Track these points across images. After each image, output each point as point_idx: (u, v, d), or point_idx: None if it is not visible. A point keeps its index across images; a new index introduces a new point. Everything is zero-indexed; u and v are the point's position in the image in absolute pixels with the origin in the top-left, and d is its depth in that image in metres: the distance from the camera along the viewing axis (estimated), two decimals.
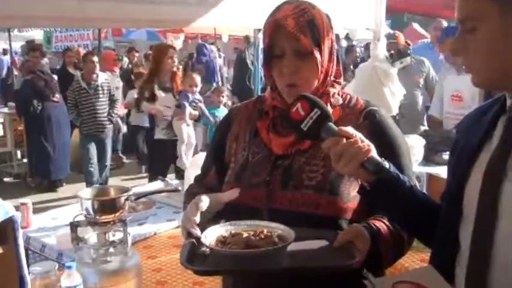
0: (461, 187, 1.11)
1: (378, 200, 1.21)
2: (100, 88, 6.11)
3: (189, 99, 4.68)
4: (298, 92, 1.29)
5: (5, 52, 13.03)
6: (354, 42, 11.02)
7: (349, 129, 1.16)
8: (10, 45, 9.69)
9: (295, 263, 1.16)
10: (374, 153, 1.16)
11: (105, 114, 6.14)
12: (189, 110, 4.65)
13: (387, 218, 1.32)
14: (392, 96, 3.50)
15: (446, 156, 3.65)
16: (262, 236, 1.19)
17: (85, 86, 6.02)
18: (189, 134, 4.71)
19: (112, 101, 6.28)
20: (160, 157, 4.80)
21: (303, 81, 1.36)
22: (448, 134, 3.96)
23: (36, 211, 2.84)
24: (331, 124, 1.17)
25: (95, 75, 6.08)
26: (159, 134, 4.74)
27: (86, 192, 1.80)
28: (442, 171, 3.45)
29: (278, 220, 1.27)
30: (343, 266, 1.15)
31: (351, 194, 1.33)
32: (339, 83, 1.46)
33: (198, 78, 4.93)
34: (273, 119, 1.44)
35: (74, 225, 1.76)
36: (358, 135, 1.16)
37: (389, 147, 1.35)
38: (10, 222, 1.85)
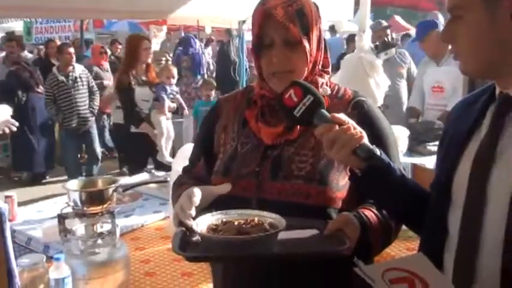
0: (451, 174, 1.12)
1: (369, 187, 1.22)
2: (79, 80, 5.82)
3: (167, 92, 4.58)
4: (287, 81, 1.30)
5: None
6: (338, 35, 11.05)
7: (342, 116, 1.16)
8: None
9: (286, 250, 1.17)
10: (366, 140, 1.17)
11: (87, 107, 5.86)
12: (167, 102, 4.56)
13: (376, 206, 1.33)
14: (377, 87, 3.51)
15: (430, 146, 3.70)
16: (254, 224, 1.19)
17: (63, 79, 5.71)
18: (167, 127, 4.63)
19: (92, 93, 5.99)
20: (137, 151, 4.70)
21: (292, 68, 1.36)
22: (431, 125, 4.02)
23: (20, 204, 2.81)
24: (323, 111, 1.17)
25: (71, 67, 5.80)
26: (136, 128, 4.64)
27: (73, 183, 1.79)
28: (426, 162, 3.49)
29: (268, 210, 1.27)
30: (334, 251, 1.16)
31: (340, 183, 1.34)
32: (327, 73, 1.46)
33: (174, 70, 4.83)
34: (262, 108, 1.43)
35: (61, 217, 1.76)
36: (351, 122, 1.16)
37: (377, 138, 1.36)
38: None
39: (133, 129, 4.63)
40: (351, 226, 1.23)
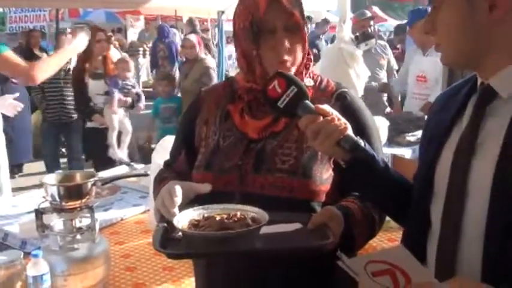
0: (433, 165, 1.13)
1: (354, 179, 1.22)
2: (71, 72, 5.46)
3: (119, 85, 4.39)
4: (287, 69, 1.29)
5: None
6: (313, 25, 11.00)
7: (326, 107, 1.16)
8: None
9: (269, 245, 1.16)
10: (350, 131, 1.16)
11: (73, 103, 5.51)
12: (117, 97, 4.36)
13: (360, 199, 1.34)
14: (358, 78, 3.53)
15: (409, 137, 3.73)
16: (236, 219, 1.18)
17: None
18: (122, 121, 4.46)
19: None
20: (96, 146, 4.59)
21: (293, 58, 1.35)
22: (411, 116, 4.05)
23: None
24: (307, 102, 1.17)
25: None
26: (91, 123, 4.54)
27: (50, 177, 1.75)
28: (405, 152, 3.52)
29: (251, 204, 1.26)
30: (317, 246, 1.16)
31: (323, 176, 1.34)
32: (310, 61, 1.46)
33: (131, 63, 4.69)
34: (248, 102, 1.42)
35: (39, 212, 1.72)
36: (335, 113, 1.16)
37: (360, 129, 1.36)
38: None
39: (88, 124, 4.54)
40: (334, 220, 1.23)
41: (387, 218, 1.45)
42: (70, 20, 14.45)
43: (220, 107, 1.46)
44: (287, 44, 1.33)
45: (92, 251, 1.70)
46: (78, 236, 1.72)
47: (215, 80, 5.23)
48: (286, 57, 1.34)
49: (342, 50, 3.52)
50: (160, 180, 1.46)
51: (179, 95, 5.71)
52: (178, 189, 1.27)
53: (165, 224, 1.22)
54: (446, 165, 1.09)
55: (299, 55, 1.37)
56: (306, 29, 1.40)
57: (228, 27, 4.32)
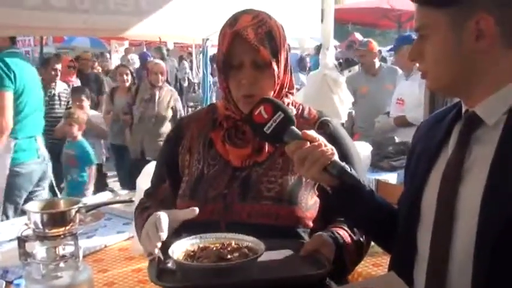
0: (420, 191, 1.14)
1: (341, 204, 1.22)
2: (57, 98, 5.44)
3: None
4: (255, 102, 1.29)
5: None
6: (298, 51, 11.10)
7: (313, 133, 1.17)
8: None
9: (269, 274, 1.15)
10: (337, 157, 1.17)
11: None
12: None
13: (347, 224, 1.34)
14: (341, 103, 3.57)
15: (392, 162, 3.76)
16: (232, 249, 1.17)
17: None
18: None
19: None
20: None
21: (260, 92, 1.35)
22: (393, 141, 4.09)
23: None
24: (294, 128, 1.17)
25: (53, 84, 5.42)
26: None
27: (33, 205, 1.72)
28: (389, 177, 3.54)
29: (237, 232, 1.25)
30: (315, 274, 1.16)
31: (309, 203, 1.35)
32: (292, 94, 1.47)
33: None
34: (227, 130, 1.42)
35: (21, 240, 1.68)
36: (321, 139, 1.16)
37: (344, 156, 1.37)
38: None
39: None
40: (327, 247, 1.24)
41: (372, 243, 1.45)
42: (54, 45, 14.45)
43: (202, 135, 1.46)
44: (252, 79, 1.34)
45: (75, 279, 1.66)
46: (62, 264, 1.68)
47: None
48: (251, 92, 1.34)
49: (326, 77, 3.56)
50: (142, 210, 1.45)
51: None
52: (164, 223, 1.24)
53: (159, 255, 1.19)
54: (433, 192, 1.10)
55: (268, 90, 1.37)
56: (285, 60, 1.40)
57: (213, 51, 4.37)
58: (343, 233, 1.31)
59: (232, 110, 1.41)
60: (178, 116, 5.05)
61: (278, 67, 1.37)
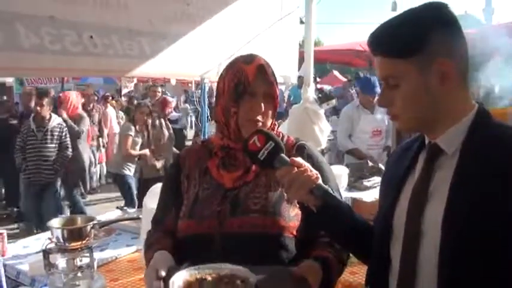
0: (392, 211, 1.16)
1: (323, 221, 1.23)
2: (49, 133, 5.01)
3: None
4: (258, 127, 1.35)
5: None
6: (282, 87, 11.11)
7: (300, 160, 1.20)
8: None
9: None
10: (321, 181, 1.20)
11: (51, 163, 5.03)
12: None
13: (329, 242, 1.36)
14: (321, 132, 3.61)
15: (365, 182, 3.80)
16: (226, 281, 1.13)
17: (33, 128, 4.98)
18: None
19: (61, 149, 5.09)
20: None
21: (265, 119, 1.42)
22: (366, 164, 4.15)
23: (10, 240, 2.68)
24: (283, 155, 1.20)
25: (46, 118, 5.03)
26: None
27: (56, 221, 1.75)
28: (363, 196, 3.58)
29: (231, 242, 1.27)
30: None
31: (291, 214, 1.37)
32: (275, 125, 1.52)
33: None
34: (222, 158, 1.46)
35: (46, 253, 1.71)
36: (307, 165, 1.19)
37: (320, 176, 1.41)
38: None
39: None
40: (313, 272, 1.25)
41: None
42: (73, 82, 14.54)
43: (199, 163, 1.49)
44: (263, 107, 1.40)
45: (90, 287, 1.68)
46: (79, 274, 1.70)
47: None
48: (259, 118, 1.41)
49: (307, 109, 3.62)
50: (148, 246, 1.45)
51: None
52: (163, 267, 1.24)
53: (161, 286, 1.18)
54: (403, 212, 1.12)
55: (270, 119, 1.45)
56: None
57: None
58: (329, 257, 1.32)
59: (229, 138, 1.45)
60: None
61: (277, 101, 1.45)
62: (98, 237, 2.50)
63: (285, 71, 4.01)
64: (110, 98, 10.45)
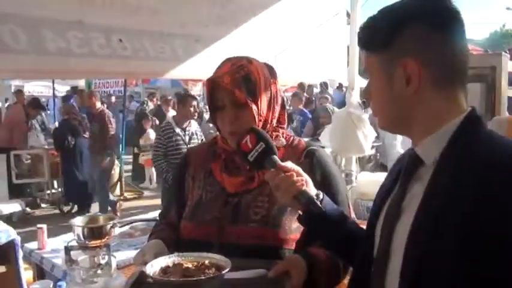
0: (374, 224, 1.09)
1: (311, 228, 1.20)
2: (195, 136, 4.56)
3: None
4: (239, 137, 1.30)
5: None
6: (330, 89, 10.72)
7: (288, 164, 1.16)
8: (53, 91, 11.10)
9: None
10: (311, 187, 1.15)
11: None
12: None
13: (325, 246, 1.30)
14: (365, 138, 3.48)
15: None
16: (200, 267, 1.13)
17: (179, 132, 4.45)
18: None
19: None
20: None
21: (241, 130, 1.35)
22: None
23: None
24: (274, 157, 1.16)
25: (188, 121, 4.56)
26: None
27: (78, 220, 1.81)
28: None
29: (228, 253, 1.22)
30: None
31: (292, 226, 1.33)
32: (283, 127, 1.47)
33: None
34: (225, 160, 1.44)
35: (67, 249, 1.77)
36: (296, 170, 1.14)
37: (327, 184, 1.35)
38: (12, 244, 1.88)
39: None
40: (297, 268, 1.20)
41: None
42: (142, 86, 15.20)
43: (204, 164, 1.49)
44: (233, 117, 1.35)
45: (107, 285, 1.72)
46: (99, 271, 1.75)
47: None
48: (233, 129, 1.35)
49: (350, 114, 3.51)
50: (149, 236, 1.50)
51: None
52: (150, 252, 1.30)
53: (142, 269, 1.20)
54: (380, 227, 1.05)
55: (257, 122, 1.37)
56: (268, 98, 1.38)
57: None
58: (320, 255, 1.27)
59: (227, 144, 1.43)
60: None
61: (258, 105, 1.36)
62: (133, 236, 2.58)
63: (330, 74, 3.92)
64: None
